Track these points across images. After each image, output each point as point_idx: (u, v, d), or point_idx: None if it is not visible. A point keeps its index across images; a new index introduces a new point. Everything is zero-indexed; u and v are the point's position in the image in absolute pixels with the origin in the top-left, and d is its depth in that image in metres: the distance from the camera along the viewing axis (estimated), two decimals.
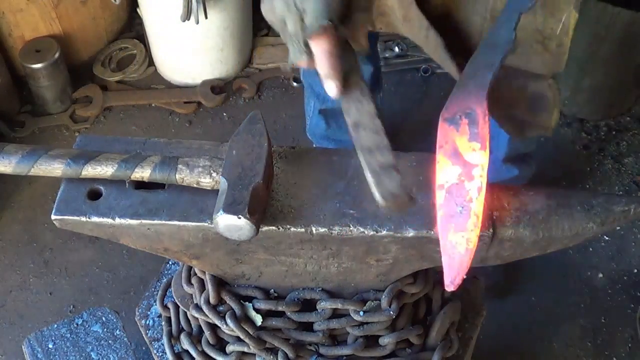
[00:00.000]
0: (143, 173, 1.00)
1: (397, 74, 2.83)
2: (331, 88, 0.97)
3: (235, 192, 0.94)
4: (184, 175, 0.99)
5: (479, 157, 0.91)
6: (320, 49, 0.95)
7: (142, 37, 2.87)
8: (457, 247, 0.92)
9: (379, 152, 0.92)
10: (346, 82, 0.98)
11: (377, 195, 0.89)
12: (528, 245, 1.03)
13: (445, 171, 0.94)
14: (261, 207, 0.97)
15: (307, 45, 0.96)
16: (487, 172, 0.93)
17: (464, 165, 0.92)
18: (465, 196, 0.91)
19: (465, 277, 0.93)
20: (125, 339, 1.68)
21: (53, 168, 1.00)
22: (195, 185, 1.00)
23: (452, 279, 0.93)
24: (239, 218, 0.92)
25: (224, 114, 2.76)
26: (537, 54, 1.08)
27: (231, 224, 0.92)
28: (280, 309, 1.14)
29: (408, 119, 2.68)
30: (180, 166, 1.00)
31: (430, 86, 2.80)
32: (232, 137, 1.02)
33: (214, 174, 0.99)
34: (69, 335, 1.68)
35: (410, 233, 0.98)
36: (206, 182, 1.00)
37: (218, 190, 0.97)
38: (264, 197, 0.98)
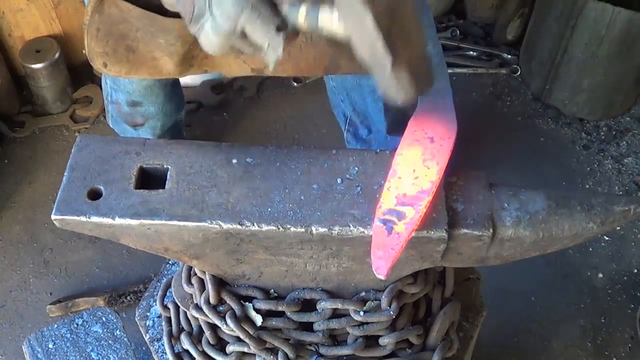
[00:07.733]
0: None
1: None
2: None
3: None
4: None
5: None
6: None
7: None
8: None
9: None
10: None
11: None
12: (528, 245, 1.03)
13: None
14: None
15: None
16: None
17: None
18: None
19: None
20: (125, 339, 1.68)
21: None
22: None
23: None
24: None
25: (224, 114, 2.76)
26: None
27: None
28: (280, 309, 1.14)
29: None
30: None
31: None
32: None
33: None
34: (69, 335, 1.68)
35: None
36: None
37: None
38: None
